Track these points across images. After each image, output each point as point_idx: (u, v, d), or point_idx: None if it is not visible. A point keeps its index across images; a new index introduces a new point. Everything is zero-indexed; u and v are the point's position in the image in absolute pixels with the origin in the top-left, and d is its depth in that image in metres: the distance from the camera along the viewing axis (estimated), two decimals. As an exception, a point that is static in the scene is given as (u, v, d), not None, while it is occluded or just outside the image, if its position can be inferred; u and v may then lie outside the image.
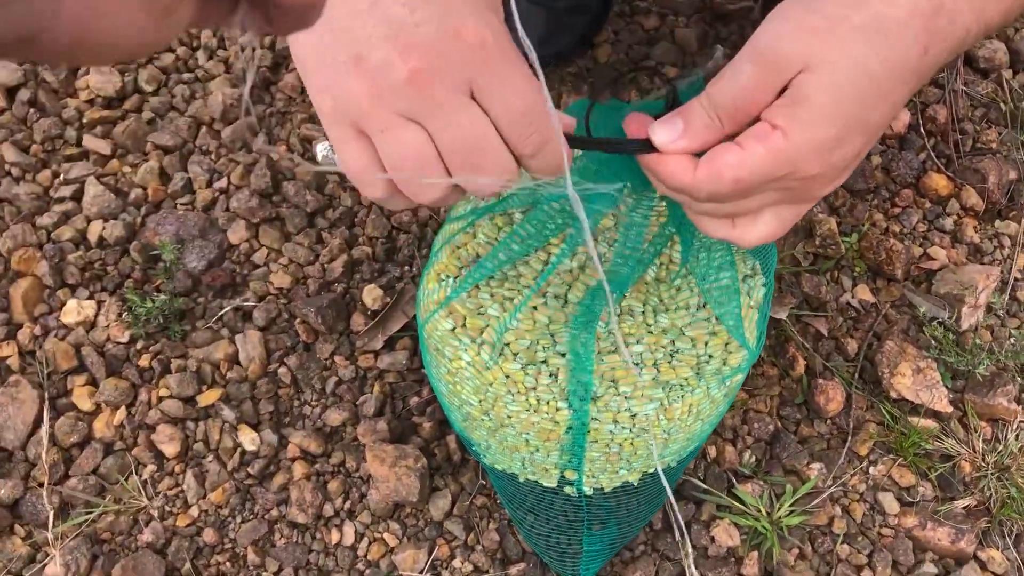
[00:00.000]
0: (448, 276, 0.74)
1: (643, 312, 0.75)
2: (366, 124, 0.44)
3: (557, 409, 0.71)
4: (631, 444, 0.75)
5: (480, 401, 0.74)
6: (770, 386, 1.01)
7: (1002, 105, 1.23)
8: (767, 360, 1.03)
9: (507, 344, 0.71)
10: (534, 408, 0.72)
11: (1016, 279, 1.11)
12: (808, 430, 1.00)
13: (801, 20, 0.48)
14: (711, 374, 0.76)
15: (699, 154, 0.50)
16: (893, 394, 1.00)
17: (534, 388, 0.71)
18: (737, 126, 0.49)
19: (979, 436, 1.00)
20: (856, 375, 1.02)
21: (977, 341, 1.03)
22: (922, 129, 1.20)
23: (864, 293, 1.08)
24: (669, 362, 0.74)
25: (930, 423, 0.99)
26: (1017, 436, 1.00)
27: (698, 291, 0.76)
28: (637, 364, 0.73)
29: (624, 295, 0.74)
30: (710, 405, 0.78)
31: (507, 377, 0.71)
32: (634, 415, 0.73)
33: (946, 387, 1.00)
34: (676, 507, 0.94)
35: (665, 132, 0.49)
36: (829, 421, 1.00)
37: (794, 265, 1.08)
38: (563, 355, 0.71)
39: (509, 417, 0.73)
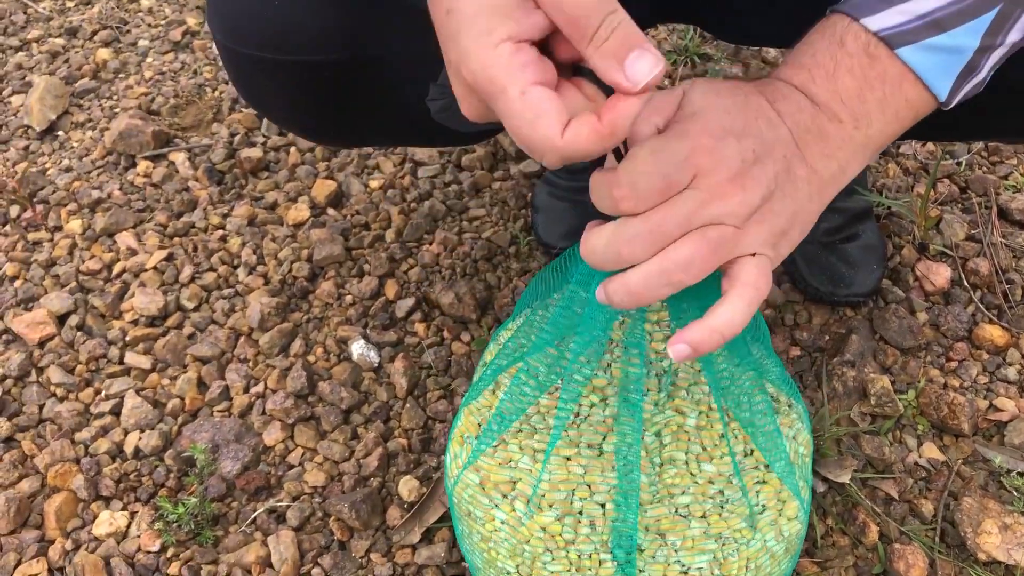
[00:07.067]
0: (470, 436, 0.70)
1: (686, 461, 0.70)
2: None
3: (600, 563, 0.65)
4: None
5: (518, 566, 0.68)
6: (842, 556, 0.92)
7: (1045, 254, 1.20)
8: (835, 528, 0.95)
9: (542, 495, 0.66)
10: (576, 566, 0.66)
11: (1098, 425, 1.03)
12: (894, 604, 0.90)
13: None
14: (767, 525, 0.70)
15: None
16: (982, 556, 0.90)
17: (573, 541, 0.65)
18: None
19: (1090, 598, 0.89)
20: (937, 539, 0.93)
21: (1066, 491, 0.94)
22: (965, 283, 1.17)
23: (932, 451, 1.01)
24: (719, 513, 0.69)
25: (1031, 586, 0.89)
26: None
27: (743, 437, 0.72)
28: (684, 516, 0.68)
29: (664, 442, 0.70)
30: (770, 561, 0.71)
31: (543, 531, 0.65)
32: (686, 569, 0.66)
33: (1041, 544, 0.91)
34: None
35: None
36: (915, 591, 0.90)
37: (851, 426, 1.02)
38: (602, 505, 0.66)
39: (550, 582, 0.67)
